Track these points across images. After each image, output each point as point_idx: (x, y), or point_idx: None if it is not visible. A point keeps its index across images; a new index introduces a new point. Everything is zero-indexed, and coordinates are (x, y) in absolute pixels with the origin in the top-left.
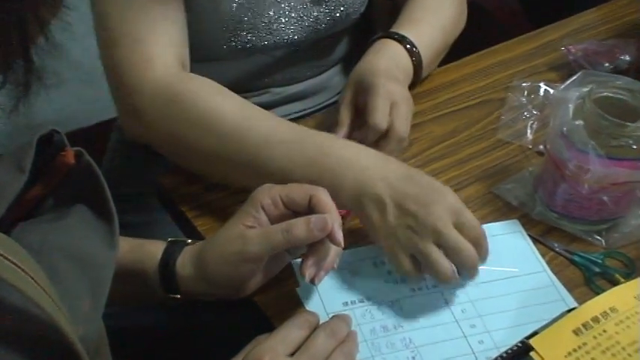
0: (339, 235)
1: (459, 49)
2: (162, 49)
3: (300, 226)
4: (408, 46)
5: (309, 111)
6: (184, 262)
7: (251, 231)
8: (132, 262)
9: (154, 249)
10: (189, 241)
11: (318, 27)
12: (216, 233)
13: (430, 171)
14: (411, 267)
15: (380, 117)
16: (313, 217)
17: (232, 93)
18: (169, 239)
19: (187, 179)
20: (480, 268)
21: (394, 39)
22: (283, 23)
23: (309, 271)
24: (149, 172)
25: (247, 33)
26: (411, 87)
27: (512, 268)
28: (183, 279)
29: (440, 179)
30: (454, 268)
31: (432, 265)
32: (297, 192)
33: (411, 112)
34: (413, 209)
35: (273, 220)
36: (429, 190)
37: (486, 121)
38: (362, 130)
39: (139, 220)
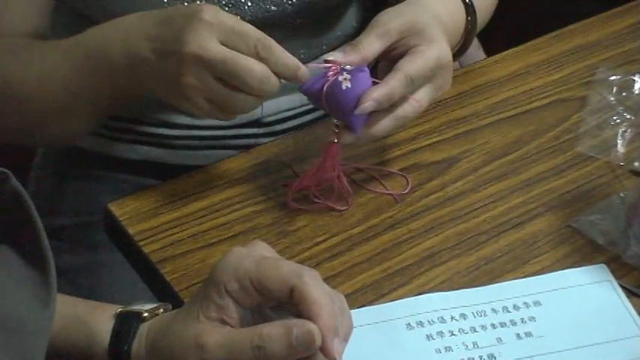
0: (337, 350)
1: (522, 29)
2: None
3: (277, 342)
4: None
5: (304, 109)
6: (139, 351)
7: (211, 338)
8: (64, 343)
9: (97, 328)
10: (145, 313)
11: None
12: (172, 319)
13: (485, 197)
14: (208, 105)
15: (421, 93)
16: (296, 329)
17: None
18: (119, 310)
19: (148, 205)
20: (551, 329)
21: None
22: None
23: None
24: (92, 194)
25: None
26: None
27: (598, 333)
28: None
29: (499, 207)
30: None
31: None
32: (273, 280)
33: (446, 88)
34: (172, 49)
35: (244, 305)
36: (185, 19)
37: (561, 129)
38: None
39: (78, 262)
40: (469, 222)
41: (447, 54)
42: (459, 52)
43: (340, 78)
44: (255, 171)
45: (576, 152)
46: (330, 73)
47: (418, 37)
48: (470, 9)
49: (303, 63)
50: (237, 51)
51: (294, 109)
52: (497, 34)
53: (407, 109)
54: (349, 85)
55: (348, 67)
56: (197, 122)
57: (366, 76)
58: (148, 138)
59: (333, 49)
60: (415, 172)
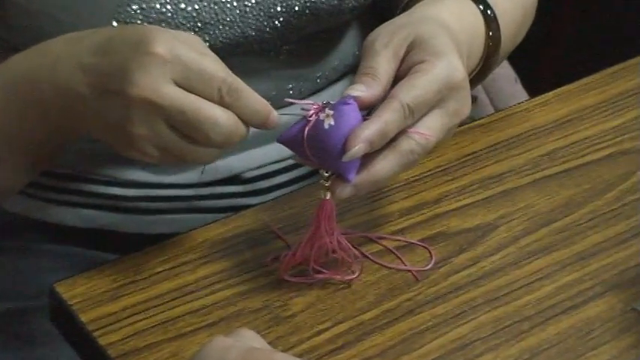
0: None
1: (573, 63)
2: None
3: None
4: (482, 6)
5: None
6: None
7: None
8: None
9: None
10: None
11: (272, 22)
12: None
13: (529, 274)
14: (160, 153)
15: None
16: None
17: None
18: None
19: (104, 285)
20: None
21: None
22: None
23: None
24: (31, 273)
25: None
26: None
27: None
28: None
29: (546, 287)
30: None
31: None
32: None
33: (465, 114)
34: (114, 88)
35: None
36: (131, 51)
37: (622, 188)
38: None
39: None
40: (508, 305)
41: (459, 69)
42: (479, 75)
43: (321, 116)
44: (238, 242)
45: None
46: (311, 111)
47: (422, 51)
48: (489, 19)
49: (293, 100)
50: (198, 95)
51: (282, 160)
52: (541, 70)
53: (411, 144)
54: (332, 124)
55: (331, 101)
56: (160, 179)
57: (352, 109)
58: (95, 199)
59: (331, 83)
60: (440, 243)
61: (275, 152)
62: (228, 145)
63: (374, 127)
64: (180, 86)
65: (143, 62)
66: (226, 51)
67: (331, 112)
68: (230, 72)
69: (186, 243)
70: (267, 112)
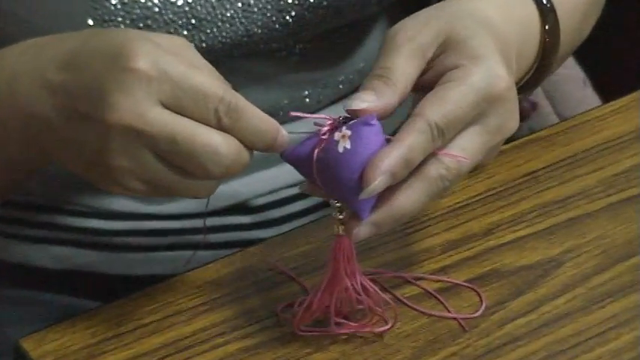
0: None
1: None
2: None
3: None
4: None
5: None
6: None
7: None
8: None
9: None
10: None
11: (282, 17)
12: None
13: (602, 320)
14: (145, 187)
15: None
16: None
17: None
18: None
19: (80, 340)
20: None
21: None
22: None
23: None
24: None
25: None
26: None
27: None
28: None
29: (624, 336)
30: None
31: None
32: None
33: (510, 130)
34: (89, 112)
35: None
36: (107, 66)
37: None
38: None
39: None
40: (578, 359)
41: (501, 77)
42: (535, 77)
43: (336, 136)
44: (245, 285)
45: None
46: (325, 129)
47: (456, 53)
48: (545, 9)
49: (310, 111)
50: (190, 118)
51: (296, 185)
52: (616, 70)
53: (440, 169)
54: (348, 147)
55: (350, 119)
56: (150, 208)
57: (374, 131)
58: (69, 234)
59: (357, 89)
60: (492, 284)
61: (288, 175)
62: (227, 176)
63: (395, 154)
64: (168, 108)
65: (123, 81)
66: (227, 53)
67: (348, 132)
68: (228, 87)
69: (181, 287)
70: (275, 133)
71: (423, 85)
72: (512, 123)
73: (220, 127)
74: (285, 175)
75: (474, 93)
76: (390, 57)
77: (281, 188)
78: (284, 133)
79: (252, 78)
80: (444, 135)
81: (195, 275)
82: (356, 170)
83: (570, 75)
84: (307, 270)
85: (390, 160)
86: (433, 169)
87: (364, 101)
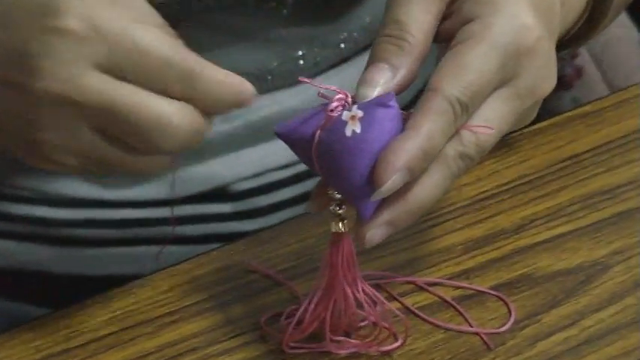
0: None
1: None
2: None
3: None
4: None
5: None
6: None
7: None
8: None
9: None
10: None
11: None
12: None
13: None
14: (82, 162)
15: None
16: None
17: None
18: None
19: (22, 354)
20: None
21: None
22: None
23: None
24: None
25: None
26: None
27: None
28: None
29: None
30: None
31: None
32: None
33: (545, 91)
34: (15, 79)
35: None
36: (34, 25)
37: None
38: None
39: None
40: None
41: (528, 26)
42: (582, 33)
43: (345, 115)
44: (222, 291)
45: None
46: (334, 104)
47: (472, 2)
48: None
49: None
50: (134, 84)
51: (290, 166)
52: None
53: (459, 146)
54: (358, 131)
55: (366, 95)
56: (111, 194)
57: (390, 115)
58: (12, 225)
59: (361, 51)
60: (523, 292)
61: (279, 154)
62: (183, 151)
63: (412, 145)
64: (108, 73)
65: (51, 43)
66: (203, 5)
67: (360, 112)
68: (180, 45)
69: (145, 292)
70: (238, 94)
71: (446, 35)
72: (548, 82)
73: (171, 93)
74: (274, 154)
75: (497, 52)
76: (402, 6)
77: (269, 170)
78: (249, 85)
79: (234, 35)
80: (467, 110)
81: (162, 277)
82: (364, 161)
83: (624, 35)
84: (299, 273)
85: (406, 153)
86: (450, 147)
87: (376, 84)
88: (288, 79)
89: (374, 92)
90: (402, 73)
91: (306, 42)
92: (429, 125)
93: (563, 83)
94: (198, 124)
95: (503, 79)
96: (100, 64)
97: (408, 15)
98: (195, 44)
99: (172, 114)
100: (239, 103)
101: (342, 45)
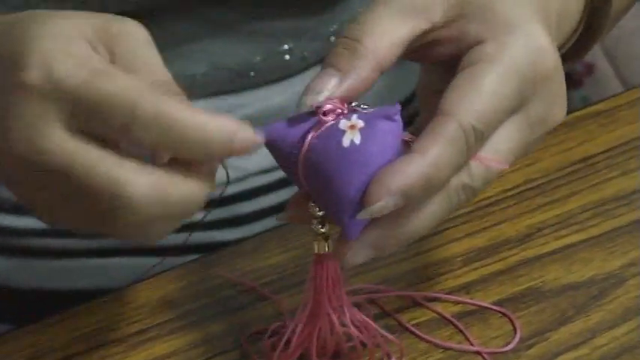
0: None
1: None
2: None
3: None
4: None
5: None
6: None
7: None
8: None
9: None
10: None
11: None
12: None
13: None
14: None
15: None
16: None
17: None
18: None
19: None
20: None
21: None
22: None
23: None
24: None
25: None
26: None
27: None
28: None
29: None
30: None
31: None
32: None
33: (557, 120)
34: None
35: None
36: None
37: None
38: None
39: None
40: None
41: (547, 49)
42: (582, 41)
43: (342, 124)
44: (201, 305)
45: None
46: (327, 107)
47: (482, 19)
48: None
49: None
50: (103, 141)
51: (275, 169)
52: None
53: (464, 177)
54: (357, 142)
55: (363, 106)
56: None
57: (394, 130)
58: None
59: None
60: (530, 307)
61: (263, 157)
62: (163, 229)
63: (414, 170)
64: (72, 130)
65: (13, 101)
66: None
67: (360, 122)
68: (156, 86)
69: (115, 307)
70: (230, 134)
71: (438, 59)
72: (560, 111)
73: (147, 147)
74: (256, 156)
75: (515, 75)
76: (374, 11)
77: (251, 175)
78: (247, 131)
79: (213, 27)
80: (481, 140)
81: (134, 291)
82: (360, 176)
83: (638, 28)
84: (284, 286)
85: (405, 177)
86: (455, 178)
87: (321, 90)
88: (272, 75)
89: (314, 99)
90: (351, 78)
91: (292, 35)
92: (437, 151)
93: (573, 81)
94: (167, 194)
95: (518, 105)
96: (65, 120)
97: (374, 20)
98: (170, 37)
99: (126, 181)
100: (232, 151)
101: (333, 38)
